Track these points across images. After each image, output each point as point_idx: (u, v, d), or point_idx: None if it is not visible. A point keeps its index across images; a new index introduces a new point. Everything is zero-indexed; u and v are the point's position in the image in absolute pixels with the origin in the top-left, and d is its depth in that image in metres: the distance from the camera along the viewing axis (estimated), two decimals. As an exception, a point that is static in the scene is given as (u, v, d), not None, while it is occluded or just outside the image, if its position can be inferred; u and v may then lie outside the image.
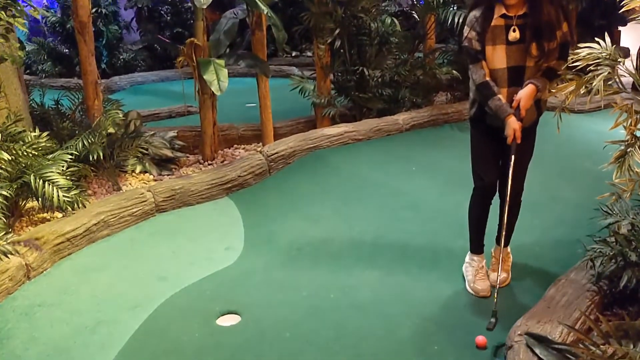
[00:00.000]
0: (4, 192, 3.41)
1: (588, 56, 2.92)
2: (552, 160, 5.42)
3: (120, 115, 5.13)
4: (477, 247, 3.44)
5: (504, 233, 3.24)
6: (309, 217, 4.52)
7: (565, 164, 5.43)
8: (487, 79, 3.01)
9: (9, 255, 3.33)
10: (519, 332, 2.66)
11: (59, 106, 5.60)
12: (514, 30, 2.94)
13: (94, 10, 9.52)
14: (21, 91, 4.98)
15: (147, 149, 5.44)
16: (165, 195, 4.69)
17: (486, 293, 3.27)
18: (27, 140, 4.04)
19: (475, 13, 3.02)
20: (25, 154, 3.82)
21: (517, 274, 3.44)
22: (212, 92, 5.14)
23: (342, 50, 6.61)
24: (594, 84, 2.94)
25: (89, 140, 4.73)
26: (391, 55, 6.83)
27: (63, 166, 4.07)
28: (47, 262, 3.73)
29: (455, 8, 6.68)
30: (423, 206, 4.59)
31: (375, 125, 6.20)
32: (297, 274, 3.67)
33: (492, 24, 2.96)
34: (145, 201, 4.56)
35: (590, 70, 3.01)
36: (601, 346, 1.99)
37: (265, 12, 5.08)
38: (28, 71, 10.50)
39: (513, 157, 3.06)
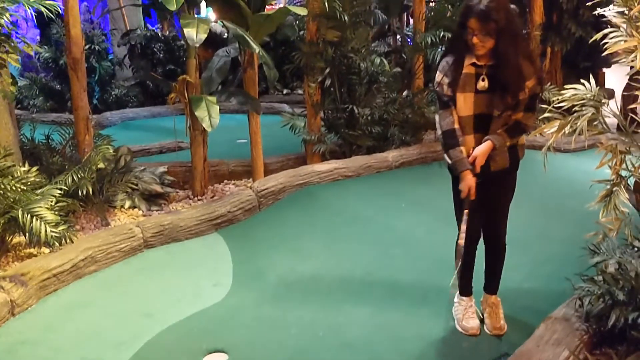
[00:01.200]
0: (-9, 227, 3.39)
1: (573, 97, 2.99)
2: (539, 198, 5.46)
3: (111, 151, 5.13)
4: (464, 290, 3.42)
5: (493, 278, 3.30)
6: (298, 252, 4.51)
7: (551, 203, 5.48)
8: (454, 126, 3.02)
9: (-7, 291, 3.28)
10: (508, 371, 2.64)
11: (50, 141, 5.60)
12: (483, 80, 2.95)
13: (87, 46, 9.63)
14: (12, 126, 4.98)
15: (136, 184, 5.44)
16: (153, 231, 4.67)
17: (475, 331, 3.26)
18: (16, 175, 4.03)
19: (447, 59, 3.04)
20: (14, 188, 3.80)
21: (506, 311, 3.42)
22: (204, 128, 5.17)
23: (332, 89, 6.70)
24: (578, 124, 3.00)
25: (79, 175, 4.72)
26: (380, 94, 6.93)
27: (52, 201, 4.06)
28: (32, 298, 3.68)
29: (442, 49, 6.81)
30: (412, 243, 4.59)
31: (365, 162, 6.25)
32: (286, 311, 3.64)
33: (463, 71, 2.98)
34: (133, 237, 4.53)
35: (575, 111, 3.08)
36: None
37: (257, 52, 5.15)
38: (19, 106, 10.52)
39: (466, 212, 3.05)
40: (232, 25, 5.21)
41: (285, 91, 12.28)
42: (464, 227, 3.05)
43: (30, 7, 3.68)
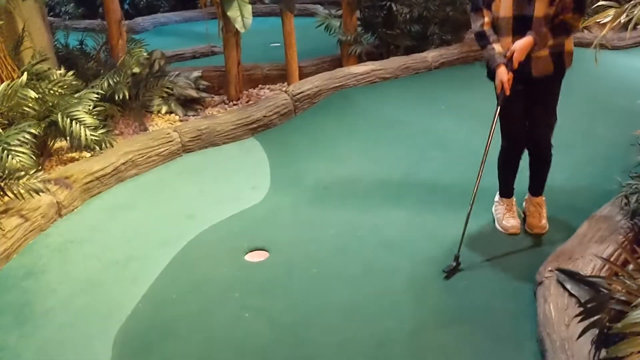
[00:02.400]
0: (33, 130, 3.42)
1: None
2: (585, 97, 5.24)
3: (145, 54, 5.08)
4: (506, 192, 3.39)
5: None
6: (335, 157, 4.48)
7: (599, 101, 5.26)
8: (485, 28, 3.01)
9: (40, 193, 3.37)
10: (549, 268, 2.63)
11: (84, 46, 5.56)
12: None
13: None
14: (45, 31, 4.95)
15: (172, 89, 5.40)
16: (191, 136, 4.69)
17: (515, 230, 3.24)
18: (53, 79, 4.02)
19: None
20: (52, 92, 3.81)
21: (549, 211, 3.37)
22: (236, 29, 5.03)
23: (369, -14, 6.40)
24: (635, 13, 2.79)
25: (114, 80, 4.70)
26: (420, -10, 6.58)
27: (90, 105, 4.07)
28: (77, 200, 3.79)
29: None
30: (452, 145, 4.50)
31: (403, 63, 6.05)
32: (325, 212, 3.66)
33: None
34: (171, 141, 4.57)
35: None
36: (637, 280, 1.95)
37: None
38: (52, 13, 10.42)
39: (499, 107, 3.02)
40: None
41: None
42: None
43: None
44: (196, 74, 5.93)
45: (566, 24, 2.88)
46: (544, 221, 3.27)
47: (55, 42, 5.46)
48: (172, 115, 5.43)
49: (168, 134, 4.61)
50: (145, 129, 5.04)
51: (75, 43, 5.58)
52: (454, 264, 2.98)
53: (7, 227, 3.20)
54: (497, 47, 2.97)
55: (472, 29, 3.04)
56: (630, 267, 2.11)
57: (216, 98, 5.97)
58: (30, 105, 3.56)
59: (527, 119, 3.12)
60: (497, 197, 3.44)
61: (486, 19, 2.99)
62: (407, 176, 4.09)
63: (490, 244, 3.19)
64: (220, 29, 5.52)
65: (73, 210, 3.74)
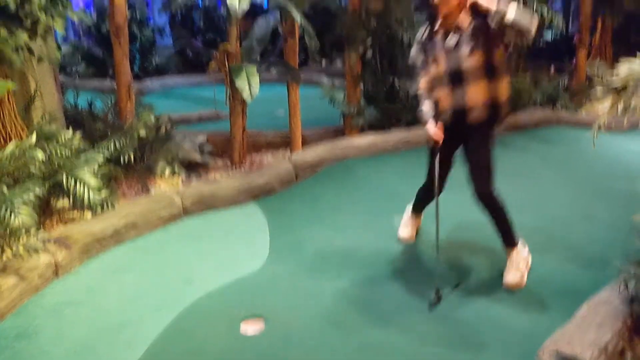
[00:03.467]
0: (37, 191, 3.46)
1: (629, 76, 2.86)
2: (584, 177, 5.32)
3: (152, 119, 5.19)
4: (415, 207, 4.11)
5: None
6: (335, 226, 4.50)
7: (597, 182, 5.32)
8: (419, 92, 3.48)
9: (39, 253, 3.37)
10: (548, 352, 2.60)
11: (92, 107, 5.68)
12: (451, 39, 3.27)
13: (128, 14, 9.69)
14: (56, 91, 5.07)
15: (177, 153, 5.49)
16: (193, 199, 4.72)
17: (403, 239, 4.02)
18: (60, 140, 4.10)
19: (422, 29, 3.47)
20: (59, 153, 3.87)
21: (547, 291, 3.36)
22: (243, 98, 5.16)
23: (373, 61, 6.61)
24: (632, 102, 2.88)
25: (121, 142, 4.78)
26: (422, 67, 6.79)
27: (95, 167, 4.12)
28: (75, 260, 3.78)
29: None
30: (450, 219, 4.52)
31: (404, 137, 6.16)
32: (323, 282, 3.64)
33: (435, 34, 3.34)
34: (173, 204, 4.60)
35: (626, 87, 2.95)
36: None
37: (299, 21, 5.10)
38: (62, 72, 10.69)
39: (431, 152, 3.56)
40: None
41: (323, 62, 12.19)
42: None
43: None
44: (201, 138, 6.04)
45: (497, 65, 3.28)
46: (514, 276, 3.40)
47: (65, 102, 5.58)
48: (175, 177, 5.49)
49: (170, 196, 4.64)
50: (148, 191, 5.08)
51: (84, 102, 5.70)
52: (435, 297, 3.20)
53: (4, 286, 3.19)
54: (428, 107, 3.43)
55: (412, 89, 3.43)
56: (629, 356, 2.09)
57: (219, 162, 6.05)
58: (37, 165, 3.61)
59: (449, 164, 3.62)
60: (409, 206, 4.10)
61: (422, 80, 3.45)
62: (406, 248, 4.09)
63: (486, 323, 3.16)
64: (227, 97, 5.66)
65: (70, 270, 3.72)
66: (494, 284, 3.51)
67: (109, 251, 4.04)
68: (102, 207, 4.16)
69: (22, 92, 4.55)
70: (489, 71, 3.25)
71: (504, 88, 3.34)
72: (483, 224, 3.63)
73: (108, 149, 4.65)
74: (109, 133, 5.07)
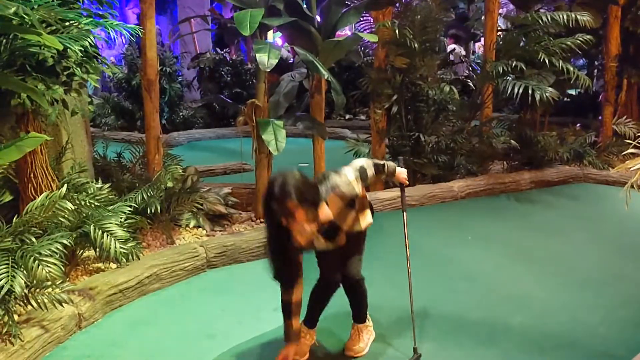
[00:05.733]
0: (64, 241, 3.48)
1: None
2: (614, 236, 5.21)
3: (180, 171, 5.24)
4: (309, 322, 3.50)
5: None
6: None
7: (628, 241, 5.20)
8: (292, 301, 3.16)
9: (63, 304, 3.36)
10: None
11: (121, 159, 5.77)
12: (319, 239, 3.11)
13: (159, 68, 9.97)
14: (87, 143, 5.17)
15: (201, 204, 5.51)
16: (216, 251, 4.71)
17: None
18: (90, 192, 4.15)
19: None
20: (88, 204, 3.91)
21: (580, 357, 3.24)
22: (269, 151, 5.20)
23: (398, 116, 6.66)
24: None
25: (148, 194, 4.82)
26: (448, 122, 6.83)
27: (122, 218, 4.14)
28: (98, 312, 3.76)
29: (513, 78, 6.67)
30: (479, 278, 4.44)
31: (429, 192, 6.14)
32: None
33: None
34: (197, 256, 4.59)
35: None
36: None
37: (326, 77, 5.17)
38: (92, 123, 10.95)
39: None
40: (302, 51, 5.25)
41: (347, 116, 12.33)
42: None
43: (112, 30, 3.81)
44: (226, 190, 6.06)
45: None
46: (362, 345, 3.41)
47: (94, 153, 5.68)
48: (200, 229, 5.49)
49: (194, 248, 4.64)
50: (173, 242, 5.08)
51: (113, 154, 5.80)
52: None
53: (27, 338, 3.16)
54: (295, 324, 3.20)
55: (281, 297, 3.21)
56: None
57: (244, 215, 6.05)
58: (65, 216, 3.64)
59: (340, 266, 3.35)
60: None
61: (294, 292, 3.16)
62: (431, 307, 4.00)
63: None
64: (253, 150, 5.71)
65: (93, 322, 3.69)
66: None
67: (132, 303, 4.03)
68: (127, 258, 4.16)
69: (55, 143, 4.64)
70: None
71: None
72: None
73: (135, 201, 4.69)
74: (137, 184, 5.12)
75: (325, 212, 2.97)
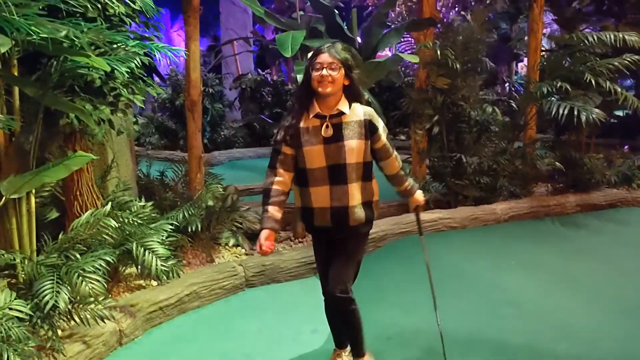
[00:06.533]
0: (108, 258, 3.53)
1: None
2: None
3: (220, 190, 5.29)
4: (336, 342, 3.41)
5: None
6: (399, 305, 4.37)
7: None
8: (271, 187, 2.94)
9: (105, 320, 3.40)
10: None
11: (163, 177, 5.87)
12: (327, 127, 2.89)
13: (202, 89, 10.18)
14: (131, 162, 5.28)
15: (241, 223, 5.54)
16: (255, 270, 4.72)
17: None
18: (133, 209, 4.21)
19: (288, 118, 3.01)
20: (131, 222, 3.97)
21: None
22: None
23: (439, 136, 6.59)
24: None
25: (189, 212, 4.88)
26: (490, 143, 6.72)
27: (163, 236, 4.19)
28: (139, 329, 3.79)
29: (558, 98, 6.55)
30: (524, 304, 4.31)
31: (471, 214, 6.03)
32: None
33: (307, 125, 2.92)
34: (236, 275, 4.61)
35: None
36: None
37: (366, 98, 5.18)
38: (136, 142, 11.20)
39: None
40: None
41: None
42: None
43: (157, 52, 3.89)
44: (266, 209, 6.08)
45: (395, 175, 3.13)
46: None
47: (138, 172, 5.79)
48: (239, 248, 5.51)
49: (233, 267, 4.66)
50: (212, 261, 5.11)
51: (156, 173, 5.90)
52: None
53: (69, 353, 3.21)
54: (272, 210, 2.91)
55: (264, 183, 3.02)
56: None
57: (282, 234, 6.05)
58: (109, 233, 3.71)
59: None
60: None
61: (277, 178, 2.94)
62: (474, 333, 3.89)
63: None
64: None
65: (133, 339, 3.73)
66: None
67: (172, 320, 4.05)
68: (168, 276, 4.20)
69: (100, 162, 4.75)
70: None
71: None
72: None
73: (177, 219, 4.74)
74: (179, 202, 5.19)
75: (355, 110, 2.93)
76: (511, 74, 12.75)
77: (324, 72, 2.83)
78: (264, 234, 2.88)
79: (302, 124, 2.92)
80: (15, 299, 3.01)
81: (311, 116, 2.92)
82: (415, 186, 3.28)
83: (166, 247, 4.17)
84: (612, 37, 6.65)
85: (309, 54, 2.97)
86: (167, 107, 11.70)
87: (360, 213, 3.00)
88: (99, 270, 3.40)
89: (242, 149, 11.76)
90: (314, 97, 2.90)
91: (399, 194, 3.27)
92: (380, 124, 2.99)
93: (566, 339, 3.71)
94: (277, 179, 2.94)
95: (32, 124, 3.38)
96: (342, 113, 2.90)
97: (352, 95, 2.95)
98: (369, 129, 2.94)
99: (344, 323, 3.23)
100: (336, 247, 3.08)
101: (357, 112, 2.93)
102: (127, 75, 3.61)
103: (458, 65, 6.24)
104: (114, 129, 3.99)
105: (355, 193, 2.96)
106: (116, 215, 3.79)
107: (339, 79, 2.86)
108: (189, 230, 4.84)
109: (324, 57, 2.85)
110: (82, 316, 3.30)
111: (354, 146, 2.89)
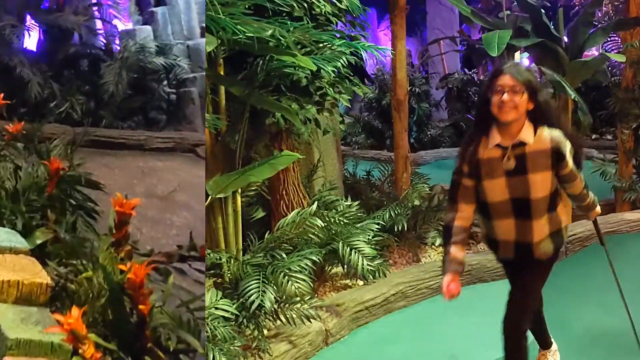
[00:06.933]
0: (314, 257, 3.58)
1: None
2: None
3: (427, 189, 5.22)
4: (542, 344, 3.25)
5: None
6: (603, 305, 4.03)
7: None
8: (453, 224, 2.72)
9: (311, 320, 3.45)
10: None
11: (370, 177, 5.91)
12: (509, 158, 2.56)
13: (408, 89, 10.14)
14: (337, 161, 5.37)
15: (448, 223, 5.37)
16: (463, 270, 4.54)
17: None
18: (339, 209, 4.27)
19: (466, 143, 2.71)
20: (337, 221, 4.01)
21: None
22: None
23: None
24: None
25: (396, 212, 4.88)
26: None
27: (370, 235, 4.19)
28: (345, 329, 3.81)
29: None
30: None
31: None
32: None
33: (486, 155, 2.60)
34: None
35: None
36: None
37: (573, 97, 4.97)
38: (343, 142, 11.50)
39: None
40: (550, 71, 5.32)
41: (594, 136, 11.62)
42: None
43: (364, 51, 3.87)
44: (474, 208, 5.84)
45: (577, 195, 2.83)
46: None
47: (344, 171, 5.90)
48: (445, 247, 5.36)
49: (440, 267, 4.49)
50: (418, 260, 5.04)
51: (362, 172, 5.97)
52: None
53: (275, 352, 3.27)
54: (454, 252, 2.72)
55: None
56: None
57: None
58: (315, 233, 3.77)
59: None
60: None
61: (458, 214, 2.69)
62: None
63: None
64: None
65: (339, 339, 3.75)
66: None
67: (378, 320, 4.04)
68: (374, 276, 4.17)
69: (307, 161, 4.89)
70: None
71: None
72: None
73: (383, 219, 4.74)
74: (385, 202, 5.20)
75: (540, 137, 2.57)
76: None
77: (505, 96, 2.50)
78: (448, 278, 2.77)
79: (480, 154, 2.65)
80: (221, 298, 3.14)
81: (491, 146, 2.64)
82: (596, 200, 3.01)
83: (372, 246, 4.16)
84: None
85: (490, 73, 2.80)
86: (374, 107, 11.85)
87: (546, 247, 2.78)
88: (305, 269, 3.47)
89: (449, 148, 11.48)
90: (494, 123, 2.61)
91: (579, 208, 3.05)
92: (567, 149, 2.61)
93: None
94: (458, 214, 2.74)
95: (238, 123, 3.51)
96: (525, 143, 2.59)
97: (538, 120, 2.61)
98: (555, 158, 2.61)
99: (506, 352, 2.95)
100: (519, 275, 2.93)
101: (543, 140, 2.59)
102: (333, 74, 3.63)
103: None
104: (320, 128, 4.05)
105: (540, 229, 2.73)
106: (322, 214, 3.85)
107: (522, 104, 2.52)
108: (395, 229, 4.84)
109: (505, 79, 2.53)
110: (288, 316, 3.37)
111: (538, 179, 2.60)
